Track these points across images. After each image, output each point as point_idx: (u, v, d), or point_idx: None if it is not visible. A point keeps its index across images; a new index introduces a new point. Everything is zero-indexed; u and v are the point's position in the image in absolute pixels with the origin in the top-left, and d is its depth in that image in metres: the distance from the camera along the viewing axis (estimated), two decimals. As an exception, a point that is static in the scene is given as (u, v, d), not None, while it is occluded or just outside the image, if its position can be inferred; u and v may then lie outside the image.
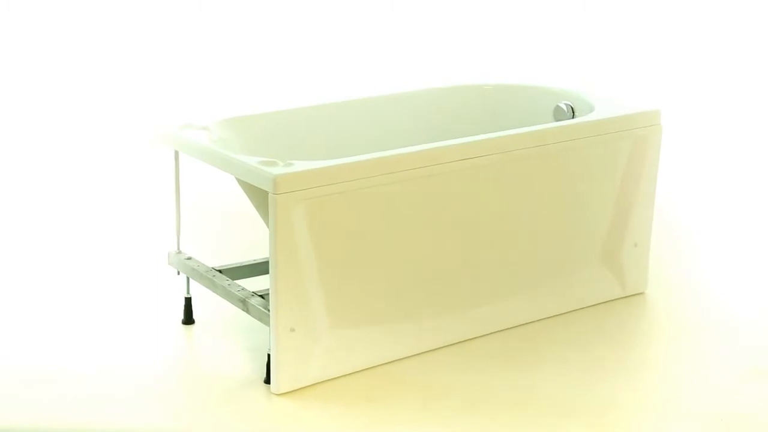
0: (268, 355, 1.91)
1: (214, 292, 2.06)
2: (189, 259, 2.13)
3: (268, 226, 1.85)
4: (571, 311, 2.22)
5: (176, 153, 2.09)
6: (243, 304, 1.97)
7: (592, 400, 1.92)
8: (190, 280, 2.14)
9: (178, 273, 2.16)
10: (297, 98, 2.44)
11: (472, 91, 2.38)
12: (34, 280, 2.36)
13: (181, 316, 2.17)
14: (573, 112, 2.31)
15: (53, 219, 2.72)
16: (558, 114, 2.33)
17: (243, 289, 2.01)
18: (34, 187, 2.91)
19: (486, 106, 2.36)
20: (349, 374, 1.97)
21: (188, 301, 2.16)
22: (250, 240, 2.45)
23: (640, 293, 2.31)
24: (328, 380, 1.95)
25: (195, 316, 2.18)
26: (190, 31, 3.39)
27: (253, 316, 1.96)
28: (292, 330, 1.88)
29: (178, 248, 2.16)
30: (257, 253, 2.23)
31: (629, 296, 2.29)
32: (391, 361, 2.02)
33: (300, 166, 1.85)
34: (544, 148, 2.08)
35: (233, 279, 2.09)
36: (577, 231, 2.19)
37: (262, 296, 1.96)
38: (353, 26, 3.53)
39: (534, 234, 2.13)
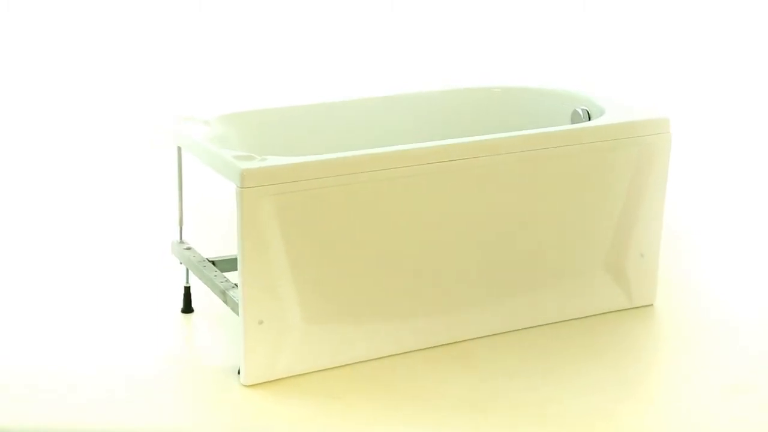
0: (245, 347, 1.94)
1: (203, 281, 2.10)
2: (188, 249, 2.18)
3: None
4: (571, 319, 2.18)
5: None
6: (223, 295, 2.01)
7: (574, 411, 1.88)
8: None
9: (180, 262, 2.21)
10: (305, 97, 2.47)
11: (481, 93, 2.36)
12: (39, 272, 2.42)
13: (181, 305, 2.23)
14: (590, 117, 2.27)
15: (60, 210, 2.80)
16: (575, 118, 2.30)
17: (227, 280, 2.04)
18: (38, 181, 2.99)
19: (492, 108, 2.34)
20: (322, 370, 1.98)
21: (187, 291, 2.21)
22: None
23: (649, 305, 2.26)
24: (300, 375, 1.96)
25: (195, 305, 2.22)
26: (193, 28, 3.40)
27: (230, 308, 1.99)
28: (261, 323, 1.90)
29: (180, 238, 2.21)
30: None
31: (636, 308, 2.24)
32: (369, 360, 2.02)
33: (272, 161, 1.87)
34: (538, 152, 2.05)
35: (228, 270, 2.13)
36: (578, 237, 2.14)
37: (243, 288, 2.00)
38: (352, 26, 3.51)
39: (530, 238, 2.09)
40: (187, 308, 2.22)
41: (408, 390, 1.94)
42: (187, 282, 2.21)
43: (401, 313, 2.02)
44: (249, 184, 1.83)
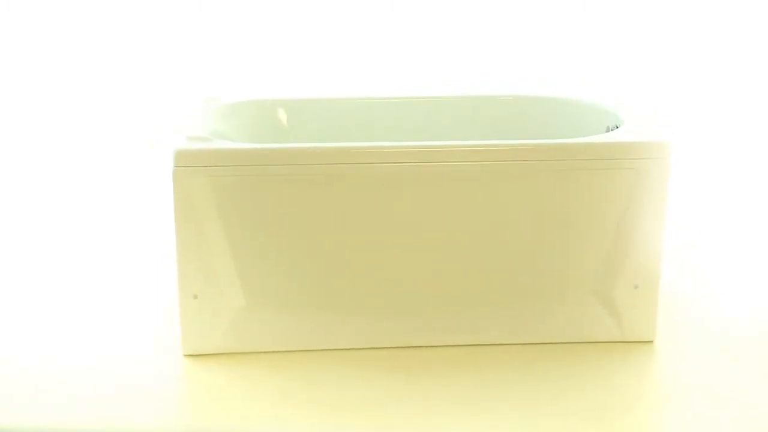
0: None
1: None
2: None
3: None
4: (549, 343, 2.07)
5: None
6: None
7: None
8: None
9: None
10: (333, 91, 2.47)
11: (491, 101, 2.28)
12: (42, 270, 2.49)
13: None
14: (618, 133, 2.14)
15: (80, 206, 2.89)
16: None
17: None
18: (39, 180, 3.06)
19: (494, 115, 2.26)
20: (263, 352, 2.04)
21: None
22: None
23: (648, 342, 2.09)
24: (241, 353, 2.04)
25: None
26: (197, 26, 3.33)
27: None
28: (195, 297, 2.00)
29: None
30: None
31: (631, 342, 2.08)
32: (315, 350, 2.05)
33: (213, 144, 1.95)
34: (515, 164, 1.97)
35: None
36: (563, 258, 2.03)
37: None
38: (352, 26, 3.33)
39: (507, 251, 2.01)
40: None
41: (330, 385, 1.96)
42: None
43: (349, 309, 2.03)
44: (181, 163, 1.93)
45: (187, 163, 1.92)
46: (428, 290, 2.03)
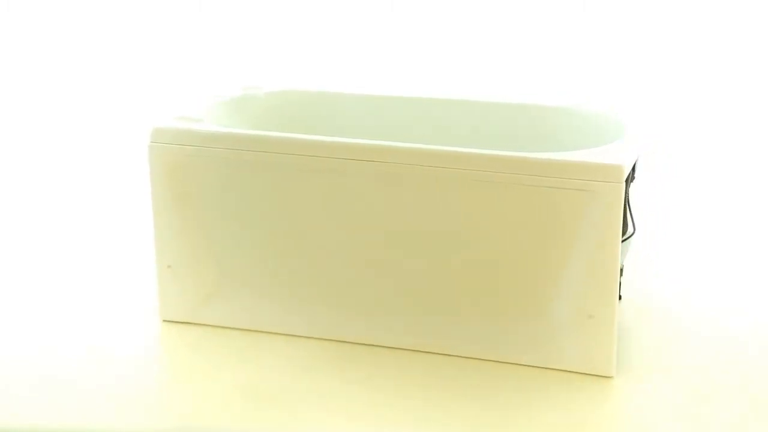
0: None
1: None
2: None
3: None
4: (501, 362, 1.99)
5: None
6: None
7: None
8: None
9: None
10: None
11: (489, 107, 2.20)
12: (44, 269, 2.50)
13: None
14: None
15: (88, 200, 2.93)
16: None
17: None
18: (42, 179, 3.08)
19: (492, 123, 2.17)
20: (235, 329, 2.13)
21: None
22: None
23: (607, 377, 1.95)
24: (213, 326, 2.14)
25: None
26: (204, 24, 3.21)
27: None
28: (169, 267, 2.13)
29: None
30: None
31: (591, 376, 1.95)
32: (284, 334, 2.11)
33: (189, 125, 2.07)
34: (459, 172, 1.92)
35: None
36: (511, 275, 1.95)
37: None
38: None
39: (460, 262, 1.97)
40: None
41: (279, 372, 2.00)
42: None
43: (314, 298, 2.07)
44: (155, 140, 2.07)
45: (162, 140, 2.06)
46: (393, 290, 2.02)
